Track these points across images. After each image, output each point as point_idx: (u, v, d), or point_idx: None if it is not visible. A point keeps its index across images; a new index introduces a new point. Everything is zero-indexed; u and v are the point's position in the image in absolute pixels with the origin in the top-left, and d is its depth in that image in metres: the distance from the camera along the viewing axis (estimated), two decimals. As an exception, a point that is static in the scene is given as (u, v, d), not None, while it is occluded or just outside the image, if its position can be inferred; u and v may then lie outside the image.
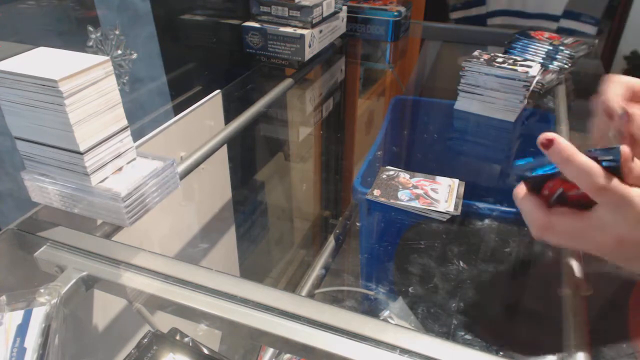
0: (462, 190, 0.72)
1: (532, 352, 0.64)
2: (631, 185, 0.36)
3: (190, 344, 0.42)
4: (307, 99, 1.12)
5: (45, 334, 0.38)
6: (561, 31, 1.61)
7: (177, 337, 0.42)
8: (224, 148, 0.85)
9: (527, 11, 1.76)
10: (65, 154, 0.43)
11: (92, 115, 0.43)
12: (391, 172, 0.77)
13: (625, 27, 2.00)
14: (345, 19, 1.03)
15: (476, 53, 0.91)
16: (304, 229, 1.45)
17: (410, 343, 0.36)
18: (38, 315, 0.39)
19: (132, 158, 0.49)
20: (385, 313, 0.72)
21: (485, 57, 0.90)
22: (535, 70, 0.85)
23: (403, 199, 0.71)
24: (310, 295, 0.71)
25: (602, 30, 1.87)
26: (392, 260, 0.82)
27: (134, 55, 0.69)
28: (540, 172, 0.41)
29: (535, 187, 0.41)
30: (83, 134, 0.42)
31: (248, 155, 1.09)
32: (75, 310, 0.50)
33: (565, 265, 0.49)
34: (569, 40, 0.96)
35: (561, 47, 0.93)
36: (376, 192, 0.72)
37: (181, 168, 0.61)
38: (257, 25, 0.89)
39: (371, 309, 0.81)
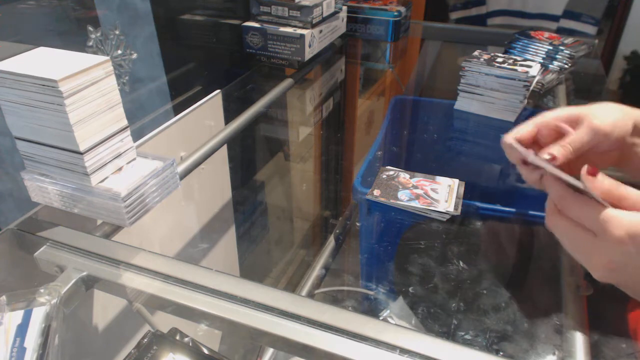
0: (462, 190, 0.72)
1: (532, 351, 0.64)
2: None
3: (190, 344, 0.42)
4: (307, 99, 1.12)
5: (45, 334, 0.38)
6: (561, 31, 1.61)
7: (177, 337, 0.42)
8: (224, 148, 0.85)
9: (527, 11, 1.76)
10: (65, 154, 0.43)
11: (92, 115, 0.42)
12: (391, 172, 0.77)
13: (625, 27, 2.00)
14: (345, 19, 1.03)
15: (476, 53, 0.91)
16: (304, 229, 1.45)
17: (410, 343, 0.36)
18: (38, 315, 0.39)
19: (132, 158, 0.49)
20: (385, 313, 0.72)
21: (485, 57, 0.90)
22: (535, 70, 0.85)
23: (403, 199, 0.71)
24: (310, 295, 0.71)
25: (602, 30, 1.87)
26: (392, 260, 0.82)
27: (134, 55, 0.69)
28: None
29: None
30: (83, 134, 0.42)
31: (248, 155, 1.09)
32: (75, 310, 0.50)
33: (565, 265, 0.49)
34: (569, 40, 0.96)
35: (561, 47, 0.93)
36: (376, 192, 0.72)
37: (181, 168, 0.61)
38: (257, 25, 0.89)
39: (371, 309, 0.81)
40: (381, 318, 0.71)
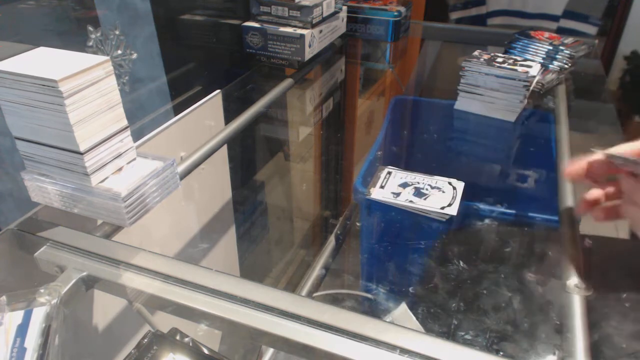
0: (461, 190, 0.72)
1: (532, 351, 0.65)
2: None
3: (190, 344, 0.42)
4: (307, 99, 1.12)
5: (45, 334, 0.38)
6: (561, 31, 1.61)
7: (177, 337, 0.42)
8: (224, 148, 0.85)
9: (527, 11, 1.76)
10: (65, 154, 0.43)
11: (92, 115, 0.42)
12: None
13: (625, 27, 2.01)
14: (345, 19, 1.03)
15: (476, 53, 0.91)
16: (304, 229, 1.45)
17: (410, 343, 0.36)
18: (38, 315, 0.39)
19: (132, 158, 0.49)
20: (387, 320, 0.72)
21: (485, 57, 0.90)
22: (535, 70, 0.85)
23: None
24: (310, 296, 0.71)
25: (602, 31, 1.87)
26: (392, 260, 0.82)
27: (134, 55, 0.69)
28: None
29: None
30: (83, 134, 0.42)
31: (248, 155, 1.09)
32: (75, 310, 0.50)
33: (565, 265, 0.49)
34: (569, 40, 0.96)
35: (561, 47, 0.93)
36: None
37: (181, 168, 0.61)
38: (257, 25, 0.89)
39: (371, 310, 0.81)
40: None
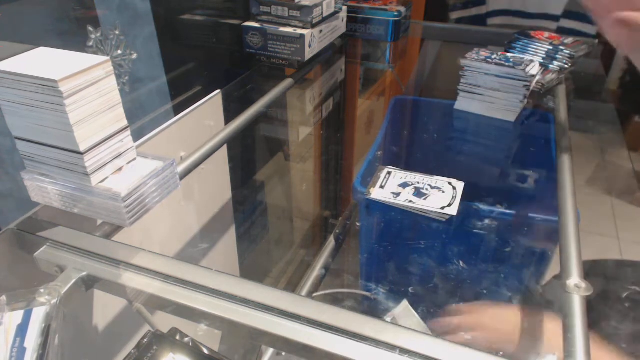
0: (461, 190, 0.72)
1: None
2: None
3: (190, 344, 0.42)
4: (307, 99, 1.12)
5: (45, 334, 0.38)
6: (561, 31, 1.61)
7: (177, 337, 0.42)
8: (224, 148, 0.85)
9: (527, 11, 1.76)
10: (65, 154, 0.43)
11: (92, 115, 0.43)
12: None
13: (625, 27, 2.00)
14: (345, 19, 1.03)
15: (476, 53, 0.91)
16: (304, 229, 1.45)
17: (410, 343, 0.36)
18: (38, 315, 0.39)
19: (132, 158, 0.49)
20: (389, 319, 0.72)
21: (485, 57, 0.89)
22: (535, 70, 0.85)
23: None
24: (310, 296, 0.71)
25: (602, 30, 1.87)
26: (392, 260, 0.82)
27: (134, 55, 0.69)
28: None
29: None
30: (83, 134, 0.42)
31: (248, 155, 1.09)
32: (75, 310, 0.50)
33: (565, 264, 0.49)
34: (569, 40, 0.96)
35: (561, 47, 0.93)
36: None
37: (181, 168, 0.61)
38: (257, 25, 0.89)
39: (371, 309, 0.81)
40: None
